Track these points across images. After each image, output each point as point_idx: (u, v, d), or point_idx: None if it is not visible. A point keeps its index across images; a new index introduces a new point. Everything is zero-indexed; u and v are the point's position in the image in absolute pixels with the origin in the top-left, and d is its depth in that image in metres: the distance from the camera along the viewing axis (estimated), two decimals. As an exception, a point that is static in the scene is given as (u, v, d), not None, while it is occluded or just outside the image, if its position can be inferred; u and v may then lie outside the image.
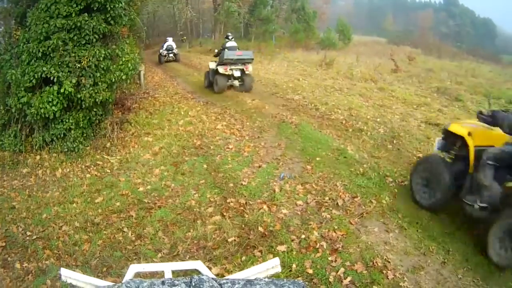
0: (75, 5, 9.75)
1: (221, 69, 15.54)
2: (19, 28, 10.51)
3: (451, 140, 6.55)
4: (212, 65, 16.41)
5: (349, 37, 56.05)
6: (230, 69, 15.51)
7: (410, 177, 7.12)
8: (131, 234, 6.46)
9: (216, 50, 17.04)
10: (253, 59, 16.46)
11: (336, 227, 6.13)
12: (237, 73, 15.64)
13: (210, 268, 4.24)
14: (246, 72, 15.76)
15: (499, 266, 5.17)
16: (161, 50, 31.72)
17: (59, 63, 9.71)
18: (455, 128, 6.44)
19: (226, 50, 15.81)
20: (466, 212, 5.87)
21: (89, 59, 9.93)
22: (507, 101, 14.63)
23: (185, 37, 47.61)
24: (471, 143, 6.03)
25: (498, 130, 5.82)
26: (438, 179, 6.38)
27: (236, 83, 15.92)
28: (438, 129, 10.66)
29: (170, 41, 31.71)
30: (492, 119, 5.89)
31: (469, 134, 6.09)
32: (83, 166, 9.55)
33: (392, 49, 29.31)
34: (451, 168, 6.31)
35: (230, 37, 17.04)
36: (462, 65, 27.11)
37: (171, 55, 31.27)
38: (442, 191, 6.30)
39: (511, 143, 5.63)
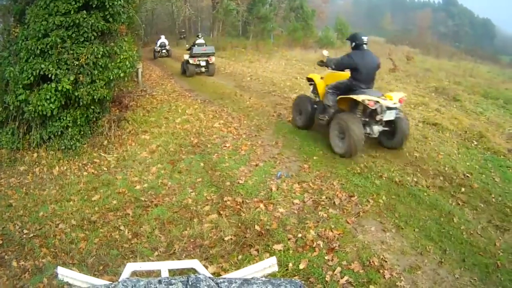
0: (73, 3, 9.73)
1: (191, 60, 21.23)
2: (18, 25, 10.48)
3: (314, 85, 10.29)
4: (186, 57, 21.86)
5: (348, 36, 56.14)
6: (198, 60, 21.23)
7: (291, 110, 11.36)
8: (128, 232, 6.45)
9: (187, 46, 23.91)
10: (214, 53, 22.19)
11: (333, 226, 6.13)
12: (203, 63, 21.35)
13: (206, 267, 4.25)
14: (210, 62, 21.40)
15: (340, 155, 8.72)
16: (155, 47, 34.52)
17: (57, 60, 9.70)
18: (312, 76, 10.57)
19: (195, 46, 21.88)
20: (319, 124, 10.03)
21: (87, 57, 9.91)
22: (505, 101, 14.65)
23: (185, 35, 47.78)
24: (319, 82, 10.11)
25: (342, 73, 9.43)
26: (305, 108, 10.40)
27: (203, 69, 21.54)
28: (436, 128, 10.71)
29: (163, 39, 34.81)
30: (325, 63, 9.85)
31: (322, 78, 10.15)
32: (80, 164, 9.55)
33: (390, 49, 29.18)
34: (311, 101, 10.30)
35: (199, 36, 23.91)
36: (460, 65, 27.06)
37: (164, 51, 34.20)
38: (306, 115, 10.36)
39: (344, 79, 9.14)
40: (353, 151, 8.43)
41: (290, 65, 25.43)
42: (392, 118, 8.56)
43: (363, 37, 9.35)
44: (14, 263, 5.99)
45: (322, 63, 10.01)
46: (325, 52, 10.46)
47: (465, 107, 13.67)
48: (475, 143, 9.85)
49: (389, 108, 8.37)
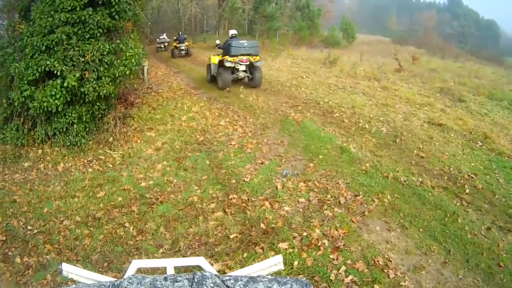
0: (80, -1, 9.74)
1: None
2: (23, 21, 10.51)
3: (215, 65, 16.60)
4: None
5: (353, 35, 56.19)
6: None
7: (206, 72, 18.35)
8: (133, 229, 6.47)
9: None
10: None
11: (338, 225, 6.13)
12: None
13: (211, 265, 4.26)
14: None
15: (221, 88, 15.80)
16: (157, 45, 38.58)
17: (63, 57, 9.71)
18: (212, 59, 17.04)
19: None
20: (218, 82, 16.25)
21: (93, 54, 9.93)
22: (510, 103, 14.63)
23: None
24: (215, 62, 16.66)
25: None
26: (209, 70, 17.37)
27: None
28: (441, 129, 10.69)
29: (163, 35, 39.19)
30: (220, 47, 16.70)
31: (217, 60, 16.26)
32: (85, 161, 9.56)
33: (396, 49, 29.13)
34: (215, 68, 16.61)
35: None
36: (465, 66, 27.08)
37: (162, 46, 38.13)
38: (211, 75, 17.17)
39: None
40: (225, 85, 15.76)
41: (296, 64, 25.44)
42: (244, 69, 15.94)
43: (231, 32, 17.17)
44: (18, 259, 6.00)
45: (218, 47, 17.41)
46: (217, 41, 18.94)
47: (470, 108, 13.65)
48: (480, 144, 9.83)
49: (240, 65, 15.75)
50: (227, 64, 15.50)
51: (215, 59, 16.69)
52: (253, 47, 16.12)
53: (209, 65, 17.69)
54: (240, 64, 15.65)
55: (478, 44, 78.76)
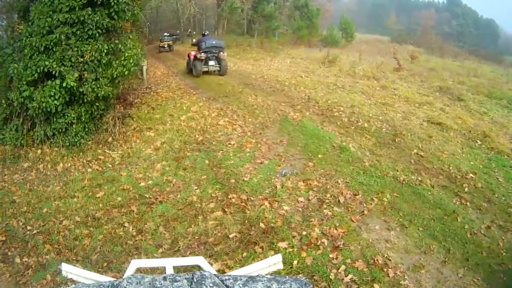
0: (78, 0, 9.73)
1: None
2: (22, 22, 10.48)
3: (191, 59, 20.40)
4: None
5: (352, 35, 56.08)
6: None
7: (186, 64, 21.89)
8: (132, 229, 6.46)
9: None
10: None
11: (337, 224, 6.14)
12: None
13: (211, 264, 4.25)
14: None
15: (195, 76, 19.56)
16: (159, 45, 40.69)
17: (62, 57, 9.69)
18: (190, 55, 20.89)
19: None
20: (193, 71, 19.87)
21: (92, 54, 9.92)
22: (509, 101, 14.65)
23: (189, 32, 48.21)
24: (192, 56, 20.35)
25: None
26: (188, 64, 21.09)
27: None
28: (440, 128, 10.70)
29: (167, 34, 42.33)
30: (194, 44, 20.95)
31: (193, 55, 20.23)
32: (84, 161, 9.55)
33: (395, 48, 29.16)
34: (193, 63, 20.08)
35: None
36: (464, 65, 27.08)
37: (166, 46, 40.03)
38: (189, 67, 20.82)
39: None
40: (198, 74, 19.11)
41: (295, 64, 25.50)
42: (213, 63, 19.26)
43: (205, 32, 21.50)
44: (18, 260, 6.00)
45: (193, 45, 21.07)
46: (193, 40, 21.64)
47: (469, 107, 13.68)
48: (479, 142, 9.85)
49: (210, 59, 19.17)
50: (201, 57, 19.72)
51: (192, 54, 20.74)
52: (220, 44, 20.51)
53: (188, 60, 21.45)
54: (210, 58, 19.88)
55: (477, 43, 78.79)
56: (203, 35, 21.71)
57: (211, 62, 19.80)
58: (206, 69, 19.82)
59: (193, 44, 21.61)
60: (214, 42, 20.30)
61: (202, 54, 19.53)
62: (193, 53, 20.34)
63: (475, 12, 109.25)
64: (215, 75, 19.93)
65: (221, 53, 19.98)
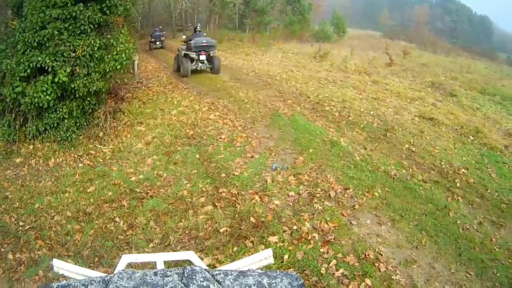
0: (71, -5, 9.69)
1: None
2: (15, 18, 10.44)
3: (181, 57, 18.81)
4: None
5: (344, 30, 56.30)
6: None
7: (174, 61, 20.78)
8: (123, 224, 6.45)
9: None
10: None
11: (328, 218, 6.14)
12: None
13: (201, 259, 4.25)
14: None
15: (182, 76, 18.19)
16: (150, 41, 37.76)
17: (54, 52, 9.65)
18: (179, 52, 19.52)
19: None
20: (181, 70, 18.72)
21: (84, 49, 9.87)
22: (502, 98, 14.71)
23: (180, 27, 48.16)
24: (181, 54, 18.82)
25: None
26: (177, 61, 19.99)
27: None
28: (432, 123, 10.74)
29: (158, 30, 38.61)
30: (185, 41, 18.99)
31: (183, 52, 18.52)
32: (75, 156, 9.52)
33: (387, 43, 29.24)
34: (182, 59, 18.44)
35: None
36: (457, 61, 27.23)
37: (158, 42, 37.18)
38: (177, 64, 19.70)
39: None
40: (185, 74, 18.11)
41: (287, 58, 25.50)
42: (203, 59, 18.26)
43: (197, 26, 20.68)
44: (10, 256, 5.98)
45: (184, 41, 19.19)
46: (184, 36, 20.28)
47: (462, 102, 13.73)
48: (472, 138, 9.89)
49: (199, 57, 18.16)
50: (191, 55, 18.51)
51: (181, 52, 19.44)
52: (211, 42, 19.00)
53: (176, 56, 20.62)
54: (200, 56, 18.58)
55: (470, 39, 79.09)
56: (195, 29, 20.28)
57: (201, 61, 18.60)
58: (195, 68, 18.62)
59: (184, 42, 19.93)
60: (204, 41, 18.78)
61: (193, 52, 18.35)
62: (183, 47, 19.08)
63: (469, 9, 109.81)
64: (206, 71, 19.09)
65: (212, 52, 18.83)
